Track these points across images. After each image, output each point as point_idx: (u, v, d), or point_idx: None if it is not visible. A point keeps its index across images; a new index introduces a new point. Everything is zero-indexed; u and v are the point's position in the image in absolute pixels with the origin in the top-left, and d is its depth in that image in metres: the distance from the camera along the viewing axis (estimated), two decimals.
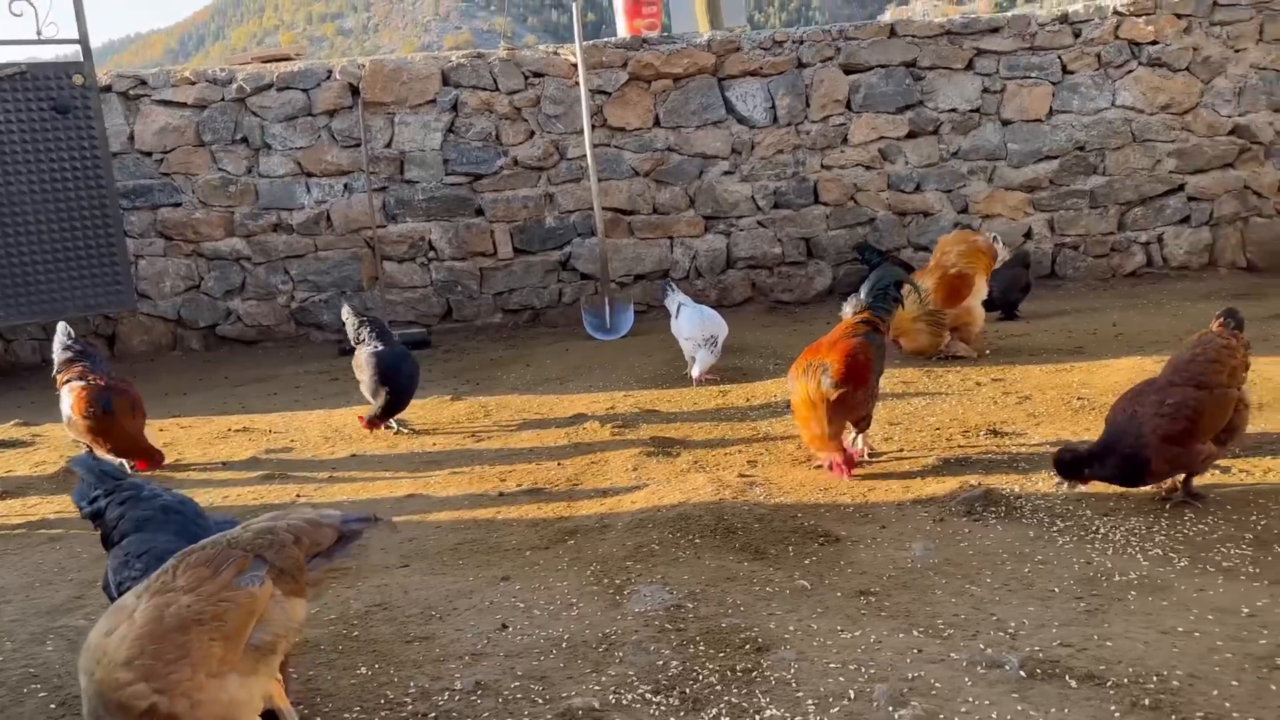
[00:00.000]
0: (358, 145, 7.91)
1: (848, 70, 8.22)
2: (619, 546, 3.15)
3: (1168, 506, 3.12)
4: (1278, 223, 8.38)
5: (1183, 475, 3.15)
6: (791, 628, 2.50)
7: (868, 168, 8.36)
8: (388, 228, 8.08)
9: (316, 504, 3.88)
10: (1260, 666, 2.14)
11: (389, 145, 8.04)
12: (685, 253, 8.36)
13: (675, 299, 6.09)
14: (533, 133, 8.15)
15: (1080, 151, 8.33)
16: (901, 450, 4.03)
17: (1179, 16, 8.14)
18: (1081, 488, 3.15)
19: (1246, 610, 2.40)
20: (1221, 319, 3.26)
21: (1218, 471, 3.42)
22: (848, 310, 4.10)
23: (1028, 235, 8.42)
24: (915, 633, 2.42)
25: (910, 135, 8.32)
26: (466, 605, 2.80)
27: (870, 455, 3.95)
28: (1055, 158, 8.33)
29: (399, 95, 7.97)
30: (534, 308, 8.31)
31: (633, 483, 3.88)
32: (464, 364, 6.82)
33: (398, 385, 4.82)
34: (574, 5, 8.09)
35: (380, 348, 4.90)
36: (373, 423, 4.89)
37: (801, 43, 8.21)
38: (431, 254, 8.16)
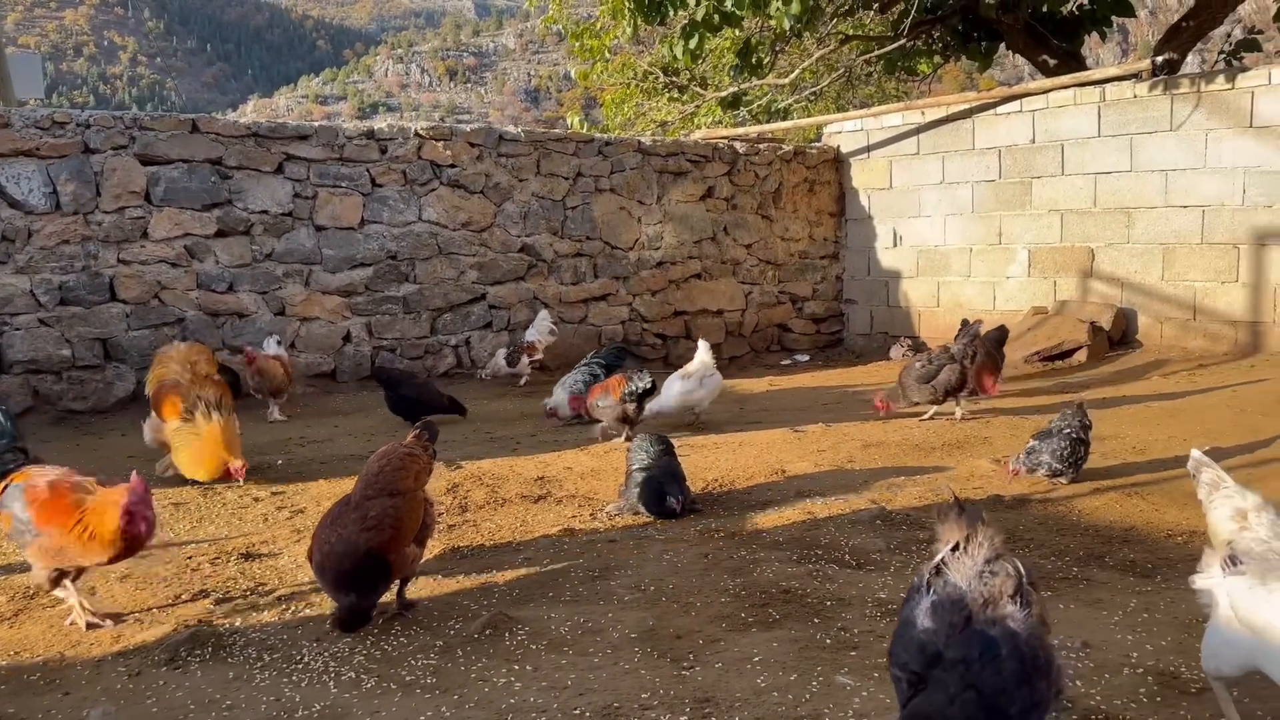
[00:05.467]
0: None
1: (146, 161, 7.65)
2: None
3: (380, 620, 3.19)
4: (561, 328, 9.71)
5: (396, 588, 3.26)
6: None
7: (174, 264, 7.82)
8: None
9: None
10: None
11: None
12: None
13: None
14: None
15: (393, 260, 8.79)
16: (137, 587, 3.61)
17: (472, 145, 9.11)
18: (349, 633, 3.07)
19: None
20: (418, 431, 3.50)
21: (440, 577, 3.64)
22: None
23: (347, 338, 8.59)
24: None
25: (220, 234, 8.00)
26: None
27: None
28: (370, 265, 8.67)
29: None
30: None
31: None
32: None
33: None
34: None
35: None
36: None
37: (89, 126, 7.44)
38: None
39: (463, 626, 3.12)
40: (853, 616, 3.13)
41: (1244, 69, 8.92)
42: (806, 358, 11.11)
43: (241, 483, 5.06)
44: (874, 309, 11.53)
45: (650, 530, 4.17)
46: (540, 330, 8.78)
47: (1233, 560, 2.37)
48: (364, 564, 3.04)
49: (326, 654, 2.93)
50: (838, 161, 11.54)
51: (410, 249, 8.87)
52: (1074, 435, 4.59)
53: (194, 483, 5.10)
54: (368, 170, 8.64)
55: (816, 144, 11.82)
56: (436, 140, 8.93)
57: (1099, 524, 4.11)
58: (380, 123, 9.29)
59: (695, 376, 6.45)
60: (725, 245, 10.83)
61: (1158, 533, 3.97)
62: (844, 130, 11.58)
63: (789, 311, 11.45)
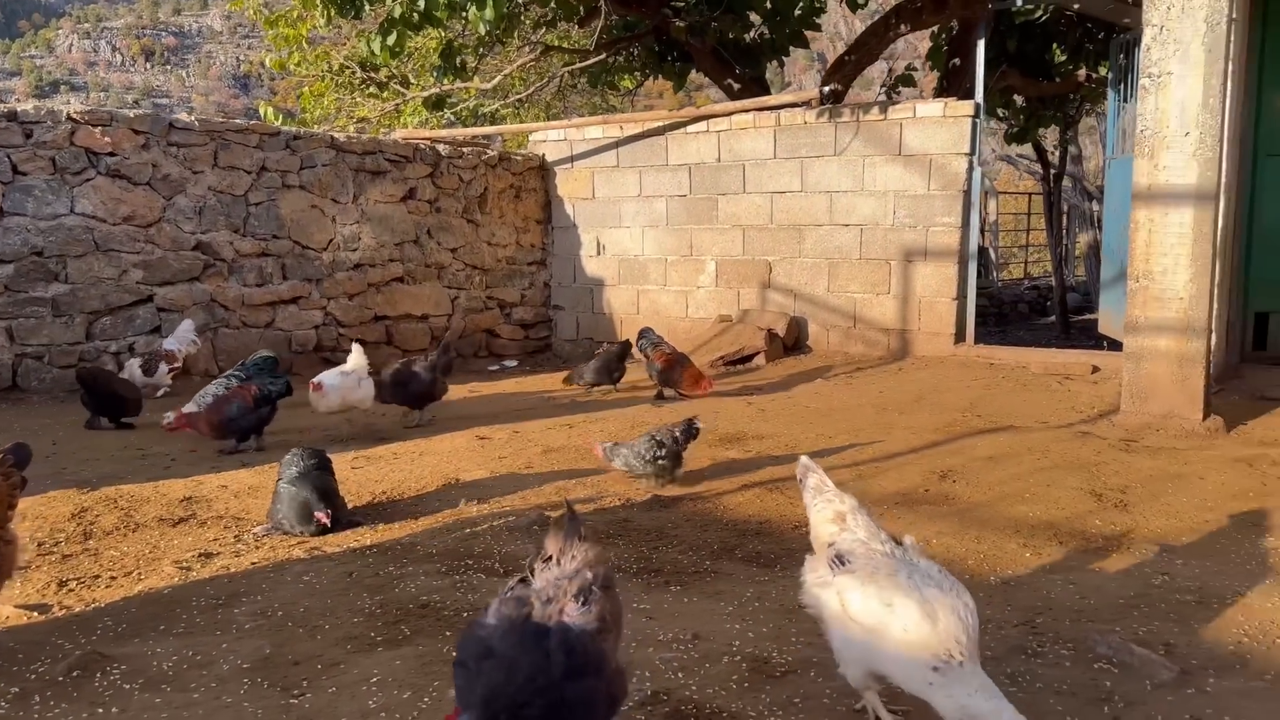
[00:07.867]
0: None
1: None
2: None
3: None
4: (244, 333, 9.10)
5: None
6: None
7: None
8: None
9: None
10: None
11: None
12: None
13: None
14: None
15: (39, 257, 7.84)
16: None
17: (137, 132, 8.32)
18: None
19: None
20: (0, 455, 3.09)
21: (36, 614, 3.25)
22: None
23: None
24: None
25: None
26: None
27: None
28: (10, 261, 7.70)
29: None
30: None
31: None
32: None
33: None
34: None
35: None
36: None
37: None
38: None
39: (48, 668, 2.80)
40: None
41: (895, 103, 9.97)
42: (515, 363, 11.14)
43: None
44: (580, 315, 11.78)
45: (296, 550, 3.96)
46: (181, 339, 8.18)
47: (841, 560, 2.45)
48: None
49: None
50: (543, 169, 11.67)
51: (60, 244, 7.95)
52: (656, 438, 4.85)
53: None
54: (9, 156, 7.65)
55: (522, 151, 11.90)
56: (94, 125, 8.06)
57: (739, 519, 4.39)
58: (60, 103, 8.27)
59: (354, 375, 6.36)
60: (429, 249, 10.63)
61: (787, 525, 4.30)
62: (549, 139, 11.73)
63: (497, 317, 11.43)
